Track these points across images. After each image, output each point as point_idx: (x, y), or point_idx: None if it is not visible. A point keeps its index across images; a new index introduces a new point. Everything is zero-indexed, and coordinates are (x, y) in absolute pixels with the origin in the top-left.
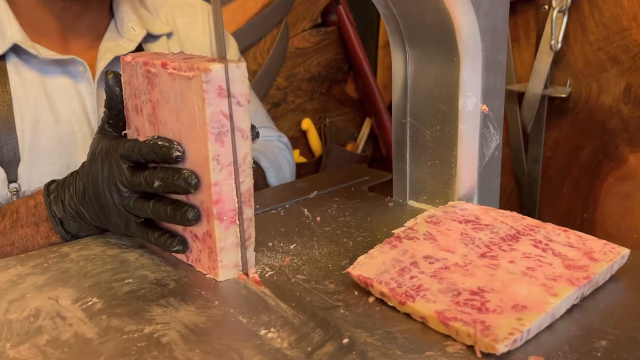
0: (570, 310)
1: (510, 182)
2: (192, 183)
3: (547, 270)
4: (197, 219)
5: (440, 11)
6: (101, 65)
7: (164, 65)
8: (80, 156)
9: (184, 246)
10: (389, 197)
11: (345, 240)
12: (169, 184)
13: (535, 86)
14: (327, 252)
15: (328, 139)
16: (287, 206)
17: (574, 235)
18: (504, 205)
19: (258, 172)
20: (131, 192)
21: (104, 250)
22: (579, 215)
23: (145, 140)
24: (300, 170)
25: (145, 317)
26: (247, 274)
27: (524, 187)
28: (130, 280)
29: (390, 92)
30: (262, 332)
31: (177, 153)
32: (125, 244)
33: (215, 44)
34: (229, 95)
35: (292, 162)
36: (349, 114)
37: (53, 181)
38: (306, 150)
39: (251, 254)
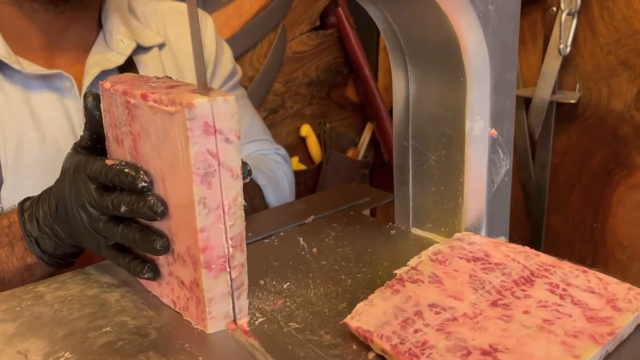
0: None
1: (516, 189)
2: (158, 211)
3: (566, 323)
4: (165, 249)
5: (445, 27)
6: (87, 80)
7: (144, 97)
8: None
9: (155, 273)
10: (390, 224)
11: (343, 277)
12: (135, 210)
13: (543, 91)
14: (323, 293)
15: (328, 145)
16: (282, 234)
17: (594, 278)
18: (511, 214)
19: (255, 190)
20: (100, 214)
21: (82, 290)
22: (589, 224)
23: (113, 165)
24: (300, 178)
25: None
26: (236, 322)
27: (531, 195)
28: (108, 328)
29: (391, 95)
30: None
31: (143, 184)
32: (106, 281)
33: (196, 70)
34: (216, 132)
35: (290, 175)
36: (349, 118)
37: (28, 198)
38: (305, 157)
39: (243, 303)
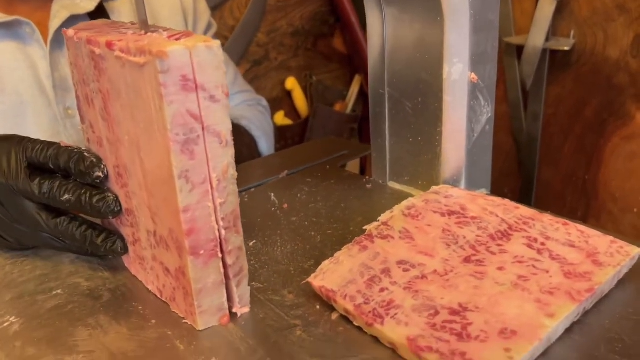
0: (569, 330)
1: (508, 141)
2: (115, 210)
3: (542, 279)
4: (126, 251)
5: None
6: (55, 24)
7: (109, 46)
8: (31, 130)
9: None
10: (367, 177)
11: (313, 234)
12: (85, 203)
13: (536, 38)
14: (290, 251)
15: (315, 98)
16: (253, 190)
17: (575, 231)
18: (502, 166)
19: (250, 141)
20: (26, 198)
21: (36, 251)
22: (581, 176)
23: (68, 148)
24: (286, 133)
25: (67, 344)
26: (232, 311)
27: (523, 147)
28: (59, 291)
29: None
30: None
31: (99, 174)
32: None
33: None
34: (198, 88)
35: (273, 127)
36: (336, 70)
37: None
38: (292, 111)
39: (244, 291)
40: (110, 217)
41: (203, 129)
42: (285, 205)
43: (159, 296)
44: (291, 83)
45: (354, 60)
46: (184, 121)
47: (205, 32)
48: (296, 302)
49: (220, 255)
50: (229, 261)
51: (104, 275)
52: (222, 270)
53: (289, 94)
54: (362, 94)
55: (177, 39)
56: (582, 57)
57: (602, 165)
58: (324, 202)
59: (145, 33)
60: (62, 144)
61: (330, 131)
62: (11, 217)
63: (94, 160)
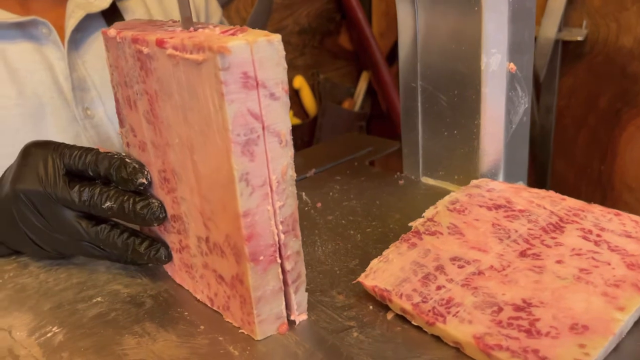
0: (637, 323)
1: None
2: (160, 217)
3: (605, 272)
4: (170, 259)
5: None
6: (71, 24)
7: (160, 44)
8: (50, 132)
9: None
10: (398, 173)
11: (352, 232)
12: (127, 211)
13: (549, 29)
14: (332, 250)
15: (323, 96)
16: None
17: (629, 221)
18: None
19: None
20: (64, 206)
21: (69, 258)
22: (596, 167)
23: (108, 154)
24: (295, 132)
25: (116, 353)
26: (289, 319)
27: (536, 139)
28: (99, 298)
29: (387, 40)
30: None
31: (143, 181)
32: None
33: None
34: (258, 86)
35: None
36: (343, 68)
37: None
38: (300, 110)
39: (302, 297)
40: (155, 225)
41: (263, 128)
42: (319, 204)
43: (209, 305)
44: (299, 82)
45: (361, 57)
46: (245, 121)
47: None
48: (347, 303)
49: (279, 260)
50: (288, 267)
51: (143, 281)
52: (280, 276)
53: (296, 93)
54: (370, 91)
55: (232, 34)
56: (595, 47)
57: (617, 155)
58: (358, 200)
59: (195, 29)
60: (100, 150)
61: (339, 129)
62: (50, 226)
63: (137, 166)
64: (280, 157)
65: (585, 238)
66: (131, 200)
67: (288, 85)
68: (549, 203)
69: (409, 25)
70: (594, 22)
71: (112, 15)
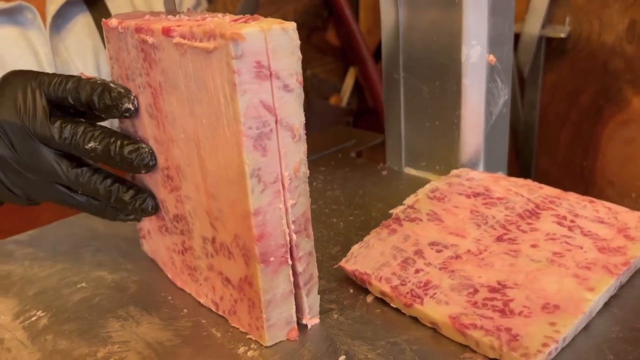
0: (607, 304)
1: None
2: (150, 164)
3: (577, 255)
4: (156, 210)
5: None
6: (52, 9)
7: (166, 32)
8: None
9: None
10: (381, 164)
11: (335, 220)
12: (113, 154)
13: (532, 26)
14: (314, 238)
15: (309, 92)
16: None
17: (602, 208)
18: None
19: None
20: (43, 142)
21: (54, 246)
22: (579, 163)
23: (91, 80)
24: None
25: (100, 335)
26: (299, 323)
27: (520, 135)
28: (83, 284)
29: (374, 37)
30: (241, 349)
31: (129, 106)
32: (79, 235)
33: None
34: (272, 76)
35: None
36: (330, 64)
37: None
38: None
39: (314, 300)
40: (143, 172)
41: (276, 122)
42: None
43: (213, 309)
44: None
45: (347, 53)
46: (258, 113)
47: (195, 8)
48: (328, 287)
49: (289, 262)
50: (299, 268)
51: (128, 267)
52: (291, 278)
53: None
54: (357, 87)
55: (245, 22)
56: (577, 44)
57: (599, 151)
58: (341, 190)
59: (203, 19)
60: (82, 76)
61: (326, 125)
62: (23, 164)
63: (122, 90)
64: (293, 152)
65: (559, 224)
66: (118, 142)
67: (301, 77)
68: (526, 191)
69: (392, 17)
70: (577, 19)
71: (94, 2)
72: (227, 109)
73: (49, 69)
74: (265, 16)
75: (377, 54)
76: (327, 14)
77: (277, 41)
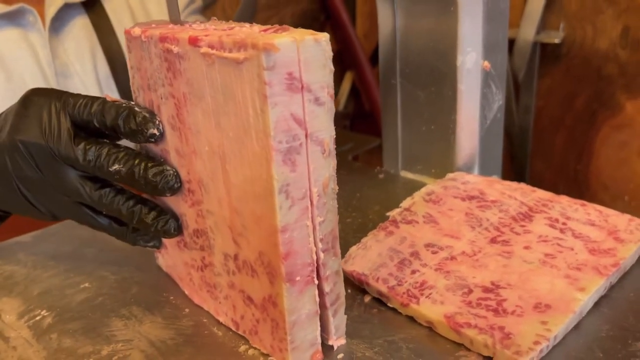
0: (597, 304)
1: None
2: (175, 187)
3: (569, 256)
4: (179, 232)
5: None
6: (51, 12)
7: (193, 42)
8: None
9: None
10: (378, 168)
11: None
12: (137, 177)
13: (527, 32)
14: None
15: None
16: None
17: (593, 211)
18: None
19: None
20: (69, 164)
21: (56, 247)
22: (573, 166)
23: (116, 102)
24: None
25: (103, 334)
26: (325, 343)
27: (515, 140)
28: (86, 284)
29: (371, 41)
30: (242, 347)
31: (154, 131)
32: (81, 236)
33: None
34: (303, 89)
35: None
36: None
37: None
38: None
39: (340, 321)
40: (168, 195)
41: (306, 136)
42: None
43: (233, 329)
44: None
45: (344, 57)
46: (288, 127)
47: (189, 3)
48: None
49: (316, 281)
50: (326, 288)
51: (130, 268)
52: (317, 299)
53: None
54: (354, 91)
55: (275, 32)
56: (571, 49)
57: (593, 155)
58: (339, 193)
59: (230, 28)
60: (107, 98)
61: None
62: (48, 184)
63: (147, 115)
64: (322, 168)
65: (551, 226)
66: (142, 164)
67: (333, 90)
68: (520, 194)
69: (389, 24)
70: (571, 25)
71: (92, 4)
72: (257, 122)
73: (48, 70)
74: (264, 20)
75: (373, 58)
76: (324, 18)
77: (310, 52)
